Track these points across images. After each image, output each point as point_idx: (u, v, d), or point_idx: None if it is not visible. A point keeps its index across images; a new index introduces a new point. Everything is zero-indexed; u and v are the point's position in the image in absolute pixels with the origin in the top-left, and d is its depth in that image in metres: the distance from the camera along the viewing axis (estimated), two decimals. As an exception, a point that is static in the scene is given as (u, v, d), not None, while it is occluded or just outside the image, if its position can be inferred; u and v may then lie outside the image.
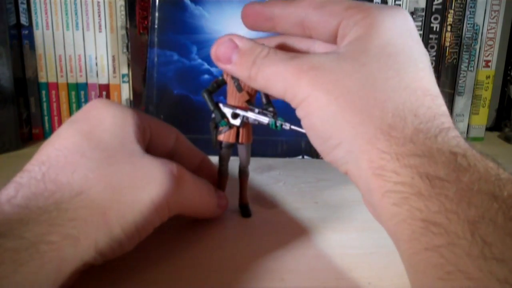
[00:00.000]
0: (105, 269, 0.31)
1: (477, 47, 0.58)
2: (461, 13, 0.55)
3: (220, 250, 0.34)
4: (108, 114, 0.30)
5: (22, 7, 0.53)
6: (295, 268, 0.32)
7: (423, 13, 0.54)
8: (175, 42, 0.48)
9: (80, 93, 0.57)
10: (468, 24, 0.56)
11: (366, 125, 0.24)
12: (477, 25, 0.57)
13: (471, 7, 0.56)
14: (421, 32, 0.55)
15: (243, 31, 0.47)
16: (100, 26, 0.54)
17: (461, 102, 0.60)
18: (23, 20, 0.54)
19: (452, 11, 0.55)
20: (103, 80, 0.56)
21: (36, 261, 0.23)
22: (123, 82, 0.56)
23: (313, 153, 0.50)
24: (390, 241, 0.35)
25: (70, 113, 0.57)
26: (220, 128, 0.36)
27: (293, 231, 0.36)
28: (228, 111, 0.35)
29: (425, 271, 0.21)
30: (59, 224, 0.24)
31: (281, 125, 0.34)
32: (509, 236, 0.20)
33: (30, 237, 0.23)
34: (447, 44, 0.56)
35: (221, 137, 0.36)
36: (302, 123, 0.28)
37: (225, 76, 0.36)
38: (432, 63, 0.56)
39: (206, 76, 0.49)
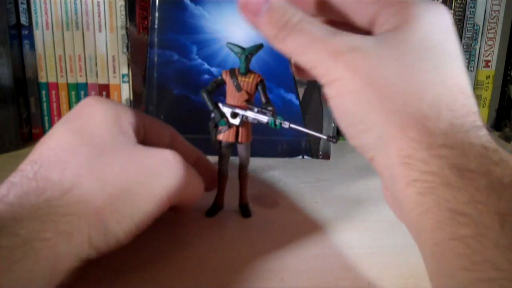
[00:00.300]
0: (104, 269, 0.31)
1: (477, 47, 0.58)
2: (461, 13, 0.55)
3: (220, 250, 0.34)
4: (100, 111, 0.30)
5: (22, 7, 0.53)
6: (295, 268, 0.32)
7: (423, 13, 0.54)
8: (175, 42, 0.48)
9: (80, 93, 0.57)
10: (468, 24, 0.56)
11: (400, 113, 0.24)
12: (477, 25, 0.57)
13: (471, 7, 0.56)
14: (421, 32, 0.55)
15: (244, 31, 0.47)
16: (100, 26, 0.54)
17: (461, 102, 0.60)
18: (23, 20, 0.54)
19: (452, 11, 0.55)
20: (103, 80, 0.56)
21: (31, 259, 0.23)
22: (123, 82, 0.56)
23: (313, 153, 0.50)
24: (390, 241, 0.35)
25: (70, 113, 0.57)
26: (220, 128, 0.36)
27: (293, 231, 0.36)
28: (227, 111, 0.35)
29: (450, 261, 0.21)
30: (52, 220, 0.24)
31: (280, 123, 0.34)
32: None
33: (24, 234, 0.23)
34: (447, 44, 0.56)
35: (220, 137, 0.36)
36: (330, 101, 0.27)
37: (224, 76, 0.36)
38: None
39: (206, 76, 0.49)
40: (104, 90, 0.56)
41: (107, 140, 0.28)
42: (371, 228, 0.37)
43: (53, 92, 0.56)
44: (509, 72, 0.63)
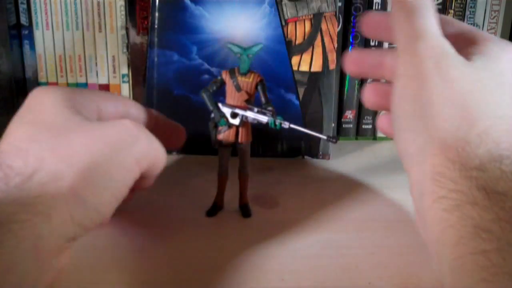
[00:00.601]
0: (104, 270, 0.31)
1: (477, 47, 0.58)
2: (461, 13, 0.55)
3: (220, 250, 0.34)
4: (49, 98, 0.30)
5: (22, 7, 0.53)
6: (295, 268, 0.32)
7: (423, 13, 0.54)
8: (175, 42, 0.48)
9: (80, 93, 0.57)
10: (468, 24, 0.56)
11: (447, 133, 0.25)
12: (477, 25, 0.57)
13: (471, 7, 0.56)
14: (421, 32, 0.55)
15: (244, 31, 0.47)
16: (100, 26, 0.54)
17: (461, 102, 0.60)
18: (23, 20, 0.54)
19: (452, 11, 0.55)
20: (103, 80, 0.56)
21: (10, 241, 0.23)
22: (123, 82, 0.56)
23: (313, 153, 0.50)
24: (390, 241, 0.35)
25: (70, 113, 0.57)
26: (220, 128, 0.36)
27: (293, 231, 0.36)
28: (227, 111, 0.35)
29: (469, 273, 0.21)
30: (27, 203, 0.24)
31: (280, 124, 0.34)
32: None
33: None
34: (447, 44, 0.56)
35: (220, 137, 0.36)
36: (394, 95, 0.28)
37: (224, 76, 0.36)
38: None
39: (206, 76, 0.49)
40: (104, 90, 0.56)
41: (62, 122, 0.29)
42: (371, 228, 0.37)
43: (53, 92, 0.56)
44: (509, 72, 0.63)
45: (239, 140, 0.36)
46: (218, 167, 0.38)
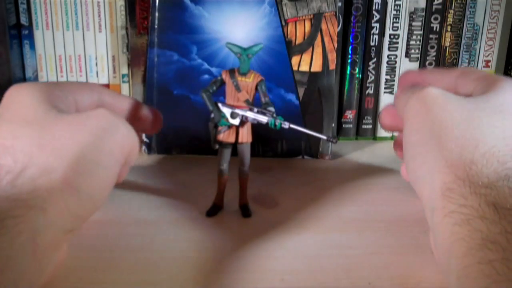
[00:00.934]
0: (104, 270, 0.31)
1: (477, 47, 0.58)
2: (461, 13, 0.55)
3: (220, 250, 0.34)
4: (25, 95, 0.30)
5: (22, 7, 0.53)
6: (295, 268, 0.32)
7: (423, 13, 0.54)
8: (175, 42, 0.48)
9: (80, 93, 0.57)
10: (468, 24, 0.56)
11: (454, 153, 0.27)
12: (477, 25, 0.57)
13: (471, 7, 0.56)
14: (421, 32, 0.55)
15: (244, 31, 0.47)
16: (100, 26, 0.54)
17: (461, 102, 0.60)
18: (23, 20, 0.54)
19: (452, 11, 0.55)
20: (103, 80, 0.56)
21: (5, 236, 0.23)
22: (123, 82, 0.56)
23: (313, 153, 0.50)
24: (390, 241, 0.35)
25: (70, 113, 0.57)
26: (220, 128, 0.36)
27: (293, 231, 0.36)
28: (227, 111, 0.35)
29: (474, 280, 0.22)
30: (21, 199, 0.24)
31: (280, 124, 0.34)
32: None
33: None
34: (447, 44, 0.56)
35: (220, 137, 0.36)
36: (404, 131, 0.32)
37: (224, 76, 0.36)
38: (432, 63, 0.56)
39: (206, 76, 0.49)
40: (104, 90, 0.56)
41: (42, 117, 0.29)
42: (371, 228, 0.37)
43: (53, 92, 0.56)
44: (509, 72, 0.63)
45: (239, 140, 0.36)
46: (218, 167, 0.38)
